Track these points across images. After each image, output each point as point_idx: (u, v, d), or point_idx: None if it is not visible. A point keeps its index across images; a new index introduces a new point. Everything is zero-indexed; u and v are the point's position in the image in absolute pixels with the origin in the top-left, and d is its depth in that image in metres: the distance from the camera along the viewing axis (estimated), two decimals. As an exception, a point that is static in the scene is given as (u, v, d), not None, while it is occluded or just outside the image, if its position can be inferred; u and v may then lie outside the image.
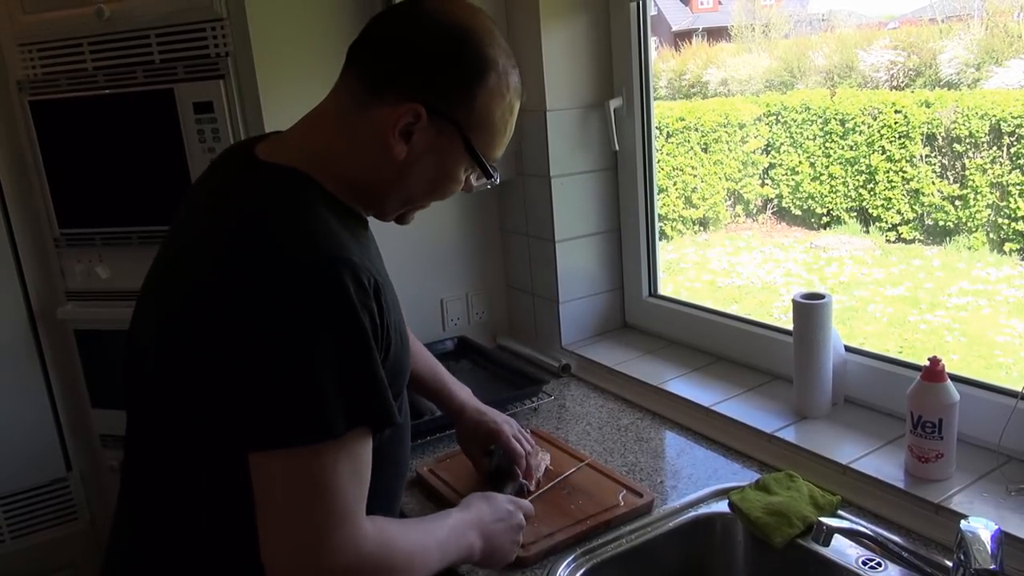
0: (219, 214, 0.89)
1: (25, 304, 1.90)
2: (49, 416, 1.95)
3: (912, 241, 4.91)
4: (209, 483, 0.86)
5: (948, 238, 4.75)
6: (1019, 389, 1.20)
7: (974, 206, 4.57)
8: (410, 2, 0.93)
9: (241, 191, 0.90)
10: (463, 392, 1.36)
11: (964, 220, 4.64)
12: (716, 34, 8.42)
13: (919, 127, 4.74)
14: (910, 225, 4.90)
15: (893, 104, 4.88)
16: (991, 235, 4.55)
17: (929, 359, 1.19)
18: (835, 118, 5.22)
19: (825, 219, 5.40)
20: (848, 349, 1.47)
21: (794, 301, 1.42)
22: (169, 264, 0.94)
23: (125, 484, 0.98)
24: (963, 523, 0.96)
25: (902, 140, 4.83)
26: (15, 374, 1.90)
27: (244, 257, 0.80)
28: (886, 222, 4.99)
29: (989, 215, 4.55)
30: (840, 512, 1.20)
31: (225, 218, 0.87)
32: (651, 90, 1.81)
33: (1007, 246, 4.45)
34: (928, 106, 4.71)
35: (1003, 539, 0.95)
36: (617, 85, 1.82)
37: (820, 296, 1.40)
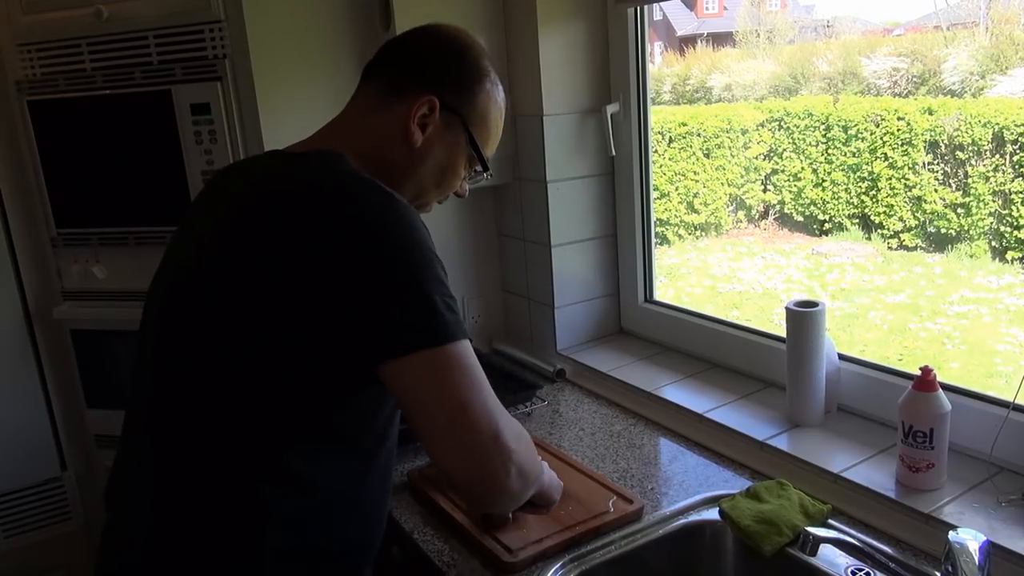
0: (278, 180, 0.97)
1: (21, 304, 1.91)
2: (44, 416, 1.96)
3: (914, 248, 4.90)
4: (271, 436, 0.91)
5: (950, 246, 4.74)
6: (1011, 399, 1.19)
7: (976, 214, 4.56)
8: (420, 28, 1.11)
9: (292, 164, 1.00)
10: None
11: (966, 228, 4.63)
12: (721, 39, 8.44)
13: (922, 135, 4.74)
14: (912, 232, 4.90)
15: (896, 111, 4.88)
16: (993, 243, 4.54)
17: (921, 368, 1.19)
18: (838, 124, 5.21)
19: (827, 225, 5.40)
20: (842, 357, 1.46)
21: (787, 309, 1.41)
22: (216, 238, 0.96)
23: (147, 467, 0.97)
24: (951, 534, 0.96)
25: (904, 147, 4.83)
26: (11, 373, 1.91)
27: (343, 200, 0.91)
28: (888, 229, 4.98)
29: (991, 223, 4.54)
30: (830, 521, 1.19)
31: (290, 180, 0.95)
32: (648, 95, 1.81)
33: (1009, 254, 4.44)
34: (931, 113, 4.71)
35: (991, 551, 0.95)
36: (614, 90, 1.82)
37: (813, 304, 1.40)
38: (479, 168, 1.12)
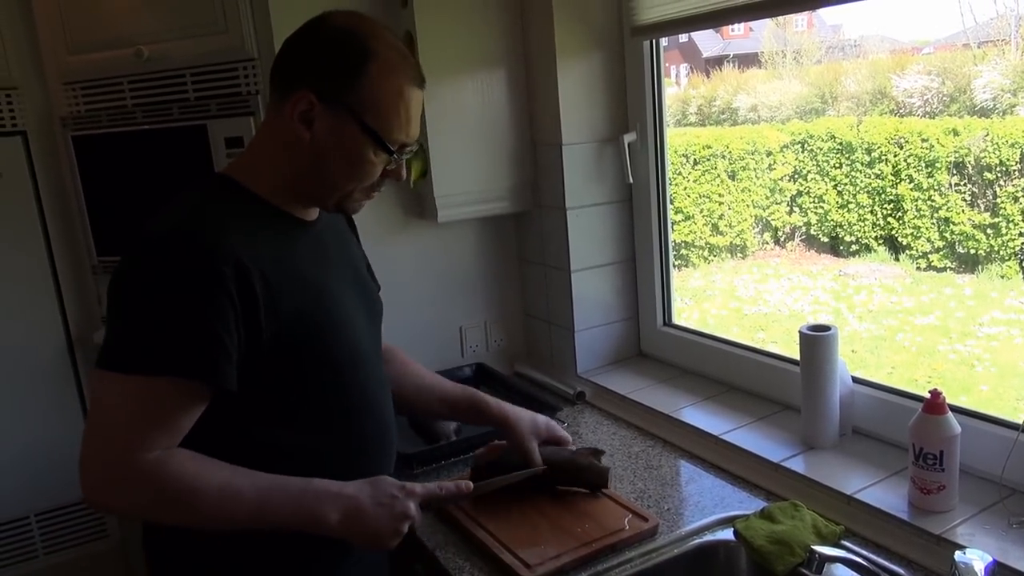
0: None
1: (63, 328, 1.99)
2: (84, 436, 2.03)
3: (943, 269, 4.86)
4: None
5: (980, 266, 4.69)
6: (1020, 422, 1.21)
7: (1006, 234, 4.52)
8: (311, 21, 1.10)
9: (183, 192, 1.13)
10: (501, 402, 1.43)
11: (996, 248, 4.59)
12: (747, 60, 8.45)
13: (946, 156, 4.71)
14: (941, 253, 4.86)
15: (919, 133, 4.86)
16: (1024, 264, 4.49)
17: (930, 392, 1.21)
18: (861, 147, 5.20)
19: (854, 247, 5.37)
20: (856, 380, 1.48)
21: (800, 333, 1.44)
22: None
23: None
24: (958, 554, 0.98)
25: (929, 169, 4.81)
26: (52, 395, 1.99)
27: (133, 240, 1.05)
28: (916, 250, 4.95)
29: (1022, 243, 4.49)
30: (843, 542, 1.21)
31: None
32: (665, 124, 1.85)
33: (1041, 275, 4.38)
34: (956, 135, 4.68)
35: (997, 571, 0.96)
36: (631, 120, 1.86)
37: (826, 328, 1.43)
38: (393, 151, 1.10)
